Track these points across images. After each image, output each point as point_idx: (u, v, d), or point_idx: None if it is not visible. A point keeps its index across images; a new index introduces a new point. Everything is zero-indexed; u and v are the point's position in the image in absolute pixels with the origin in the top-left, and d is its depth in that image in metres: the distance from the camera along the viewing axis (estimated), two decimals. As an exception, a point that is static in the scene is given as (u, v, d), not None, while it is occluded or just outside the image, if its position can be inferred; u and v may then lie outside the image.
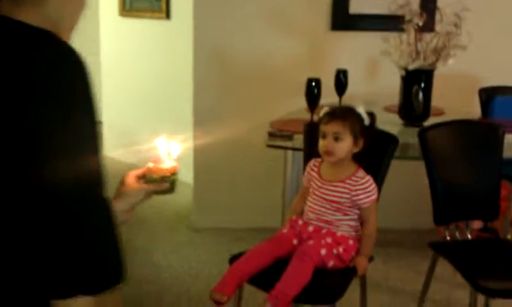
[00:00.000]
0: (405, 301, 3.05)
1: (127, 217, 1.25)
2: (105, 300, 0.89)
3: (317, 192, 2.06)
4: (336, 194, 2.02)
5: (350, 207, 2.03)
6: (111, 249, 0.90)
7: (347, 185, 2.01)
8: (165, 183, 1.31)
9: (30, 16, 0.94)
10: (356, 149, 2.03)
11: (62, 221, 0.84)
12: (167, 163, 1.32)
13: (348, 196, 2.01)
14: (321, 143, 2.03)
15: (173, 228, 3.89)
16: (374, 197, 2.03)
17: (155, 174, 1.30)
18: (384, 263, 3.46)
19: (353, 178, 2.02)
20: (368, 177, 2.04)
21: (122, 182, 1.29)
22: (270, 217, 3.00)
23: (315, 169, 2.11)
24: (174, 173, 1.32)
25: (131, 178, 1.30)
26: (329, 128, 2.00)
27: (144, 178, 1.31)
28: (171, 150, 1.34)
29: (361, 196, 2.01)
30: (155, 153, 1.32)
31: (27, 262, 0.86)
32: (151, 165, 1.32)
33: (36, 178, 0.84)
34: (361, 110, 2.04)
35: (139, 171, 1.31)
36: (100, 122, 0.94)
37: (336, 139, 1.99)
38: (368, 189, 2.02)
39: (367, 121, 2.03)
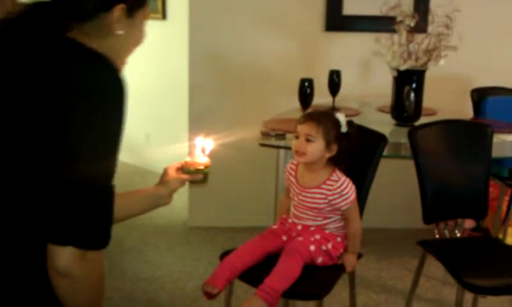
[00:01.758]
0: (396, 299, 3.08)
1: (168, 201, 1.52)
2: (90, 258, 1.11)
3: (296, 198, 2.07)
4: (314, 200, 2.02)
5: (330, 211, 2.03)
6: (104, 220, 1.13)
7: (323, 191, 2.00)
8: (199, 174, 1.54)
9: (96, 45, 1.17)
10: (328, 154, 2.01)
11: (72, 194, 1.08)
12: (201, 158, 1.55)
13: (326, 200, 2.00)
14: (293, 143, 2.03)
15: (168, 226, 3.92)
16: (351, 198, 2.01)
17: (191, 167, 1.54)
18: (377, 262, 3.50)
19: (328, 182, 2.00)
20: (343, 179, 2.01)
21: (165, 172, 1.54)
22: (264, 216, 3.04)
23: (293, 173, 2.10)
24: (207, 167, 1.56)
25: (172, 169, 1.54)
26: (302, 129, 2.00)
27: (182, 169, 1.54)
28: (205, 146, 1.57)
29: (338, 200, 1.99)
30: (192, 148, 1.57)
31: (37, 211, 1.11)
32: (188, 159, 1.55)
33: (62, 160, 1.08)
34: (340, 116, 2.03)
35: (178, 164, 1.56)
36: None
37: (308, 140, 1.98)
38: (345, 192, 1.99)
39: (343, 128, 2.01)
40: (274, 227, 2.12)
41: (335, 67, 3.22)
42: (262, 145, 2.47)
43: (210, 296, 1.89)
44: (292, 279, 1.89)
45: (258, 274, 1.93)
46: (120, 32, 1.21)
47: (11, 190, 1.14)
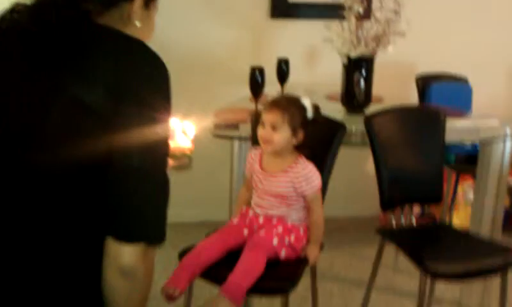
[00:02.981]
0: (350, 288, 3.07)
1: None
2: (147, 254, 1.04)
3: (260, 185, 2.01)
4: (279, 185, 1.97)
5: (295, 198, 1.99)
6: (163, 213, 1.07)
7: (288, 175, 1.97)
8: (185, 159, 1.48)
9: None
10: (295, 141, 1.97)
11: (134, 184, 1.03)
12: (183, 141, 1.47)
13: (291, 186, 1.96)
14: (259, 131, 1.98)
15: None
16: (316, 184, 1.99)
17: (176, 151, 1.46)
18: (329, 251, 3.47)
19: (294, 166, 1.98)
20: (309, 165, 1.99)
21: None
22: (217, 210, 2.94)
23: (257, 160, 2.05)
24: (191, 151, 1.49)
25: None
26: (268, 117, 1.95)
27: None
28: (186, 129, 1.49)
29: (303, 186, 1.96)
30: (171, 132, 1.46)
31: (95, 206, 1.04)
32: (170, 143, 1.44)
33: (118, 146, 1.02)
34: (306, 102, 1.99)
35: None
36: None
37: (274, 128, 1.94)
38: (310, 176, 1.97)
39: (310, 113, 1.98)
40: (234, 221, 2.03)
41: (282, 55, 3.16)
42: (217, 136, 2.38)
43: (171, 298, 1.78)
44: (257, 274, 1.82)
45: (220, 271, 1.84)
46: (138, 23, 1.19)
47: (65, 186, 1.05)
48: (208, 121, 2.59)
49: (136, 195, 1.03)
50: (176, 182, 3.38)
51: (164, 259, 1.98)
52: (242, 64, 2.91)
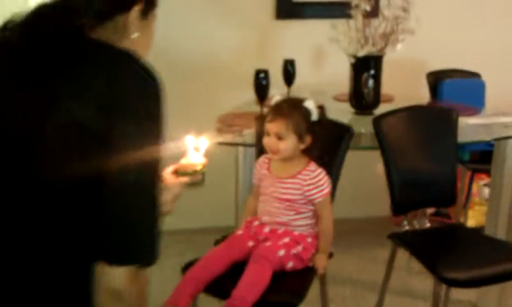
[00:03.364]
0: (363, 292, 2.99)
1: (172, 207, 1.40)
2: (137, 276, 1.02)
3: (267, 191, 1.96)
4: (288, 191, 1.92)
5: (303, 204, 1.93)
6: (154, 235, 1.05)
7: (298, 181, 1.92)
8: (198, 175, 1.46)
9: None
10: (302, 146, 1.93)
11: (123, 205, 1.01)
12: (196, 158, 1.47)
13: (300, 191, 1.91)
14: (265, 141, 1.94)
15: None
16: (326, 191, 1.94)
17: (188, 169, 1.46)
18: (340, 254, 3.40)
19: (304, 172, 1.93)
20: (319, 170, 1.95)
21: (162, 178, 1.40)
22: (223, 217, 2.88)
23: (265, 166, 2.00)
24: (204, 166, 1.48)
25: (168, 174, 1.44)
26: (272, 128, 1.91)
27: (177, 172, 1.45)
28: (199, 145, 1.49)
29: (313, 191, 1.91)
30: (185, 149, 1.47)
31: (85, 228, 1.03)
32: (183, 161, 1.47)
33: (110, 166, 0.99)
34: (310, 104, 1.93)
35: (171, 167, 1.45)
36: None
37: (279, 138, 1.90)
38: (320, 183, 1.92)
39: (315, 116, 1.93)
40: (239, 232, 1.97)
41: (288, 56, 3.09)
42: (221, 144, 2.31)
43: (173, 316, 1.73)
44: (262, 288, 1.76)
45: (224, 285, 1.78)
46: (136, 34, 1.17)
47: (55, 206, 1.04)
48: (211, 126, 2.54)
49: (127, 216, 1.02)
50: (184, 190, 3.31)
51: (172, 267, 1.93)
52: (247, 67, 2.85)
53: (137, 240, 1.03)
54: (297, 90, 3.09)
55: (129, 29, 1.15)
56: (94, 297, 1.02)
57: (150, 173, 1.05)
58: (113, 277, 1.00)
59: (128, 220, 1.02)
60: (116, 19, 1.13)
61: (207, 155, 1.54)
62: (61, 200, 1.03)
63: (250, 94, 2.77)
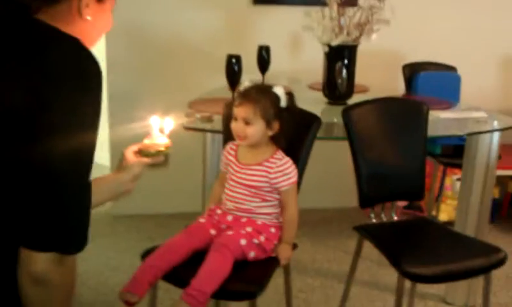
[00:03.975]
0: (332, 283, 2.99)
1: (131, 187, 1.42)
2: (62, 262, 1.02)
3: (234, 177, 1.93)
4: (253, 177, 1.89)
5: (269, 192, 1.90)
6: (80, 222, 1.05)
7: (264, 168, 1.89)
8: (160, 156, 1.45)
9: (64, 28, 1.10)
10: (270, 132, 1.90)
11: (50, 191, 1.00)
12: (160, 139, 1.46)
13: (266, 179, 1.89)
14: (232, 126, 1.91)
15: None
16: (293, 180, 1.91)
17: (151, 149, 1.44)
18: (311, 244, 3.39)
19: (271, 160, 1.90)
20: (287, 159, 1.92)
21: (123, 157, 1.44)
22: (191, 202, 2.84)
23: (232, 153, 1.97)
24: (167, 147, 1.47)
25: (130, 153, 1.44)
26: (239, 112, 1.88)
27: (140, 152, 1.44)
28: (164, 126, 1.47)
29: (279, 179, 1.89)
30: (149, 129, 1.46)
31: (9, 213, 1.02)
32: (146, 141, 1.46)
33: (38, 151, 0.98)
34: (279, 90, 1.90)
35: (135, 147, 1.46)
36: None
37: (246, 122, 1.87)
38: (287, 172, 1.90)
39: (283, 102, 1.90)
40: (202, 220, 1.93)
41: (263, 42, 3.05)
42: (188, 129, 2.27)
43: (129, 304, 1.69)
44: (222, 278, 1.72)
45: (183, 273, 1.75)
46: (89, 17, 1.16)
47: None
48: (182, 111, 2.49)
49: (52, 202, 1.01)
50: (153, 174, 3.27)
51: (140, 250, 1.89)
52: (221, 52, 2.80)
53: (60, 228, 1.02)
54: (271, 77, 3.05)
55: (82, 11, 1.14)
56: (18, 281, 1.03)
57: (79, 161, 1.03)
58: (35, 261, 1.00)
59: (53, 207, 1.00)
60: (69, 1, 1.12)
61: (173, 137, 1.52)
62: None
63: (223, 80, 2.72)
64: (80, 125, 1.03)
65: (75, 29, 1.13)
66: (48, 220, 1.01)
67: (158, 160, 1.46)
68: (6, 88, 1.00)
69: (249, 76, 2.85)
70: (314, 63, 2.95)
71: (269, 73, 3.05)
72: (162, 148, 1.46)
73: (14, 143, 1.00)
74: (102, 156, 3.75)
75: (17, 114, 0.98)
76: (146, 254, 1.82)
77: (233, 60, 2.55)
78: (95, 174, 1.32)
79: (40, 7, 1.09)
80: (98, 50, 3.56)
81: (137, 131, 1.59)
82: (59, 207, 1.01)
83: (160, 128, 1.48)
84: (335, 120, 2.49)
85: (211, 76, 3.08)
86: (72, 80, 1.02)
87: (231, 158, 1.97)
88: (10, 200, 1.01)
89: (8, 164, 1.00)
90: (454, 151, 3.28)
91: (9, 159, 1.00)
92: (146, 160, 1.44)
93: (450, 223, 3.10)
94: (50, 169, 0.99)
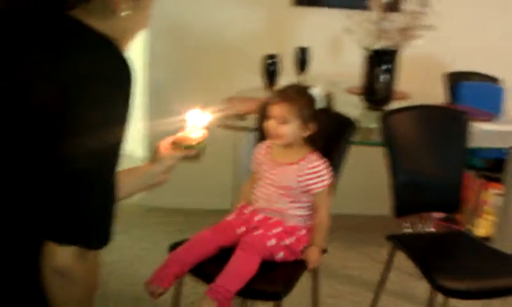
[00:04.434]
0: (361, 291, 2.94)
1: (164, 178, 1.42)
2: (86, 256, 1.03)
3: (265, 176, 1.90)
4: (287, 178, 1.87)
5: (301, 193, 1.87)
6: (104, 218, 1.05)
7: (296, 168, 1.87)
8: (192, 150, 1.44)
9: (99, 25, 1.08)
10: (305, 133, 1.87)
11: (74, 187, 1.00)
12: (195, 132, 1.45)
13: (299, 179, 1.86)
14: (267, 124, 1.88)
15: (123, 206, 3.67)
16: (326, 182, 1.88)
17: (183, 142, 1.44)
18: (342, 251, 3.35)
19: (305, 160, 1.88)
20: (321, 161, 1.89)
21: (157, 149, 1.44)
22: (223, 200, 2.84)
23: (265, 151, 1.95)
24: (199, 142, 1.46)
25: (164, 145, 1.44)
26: (275, 111, 1.86)
27: (174, 145, 1.44)
28: (200, 120, 1.47)
29: (312, 181, 1.86)
30: (185, 124, 1.46)
31: (35, 207, 1.02)
32: (181, 134, 1.45)
33: (64, 148, 0.99)
34: (316, 91, 1.87)
35: (169, 139, 1.45)
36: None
37: (281, 122, 1.85)
38: (320, 173, 1.87)
39: (320, 104, 1.87)
40: (229, 218, 1.92)
41: (302, 44, 3.02)
42: (221, 127, 2.26)
43: (154, 295, 1.69)
44: (247, 277, 1.70)
45: (210, 268, 1.74)
46: (125, 13, 1.13)
47: (6, 184, 1.05)
48: (218, 109, 2.48)
49: (77, 198, 1.01)
50: (187, 170, 3.28)
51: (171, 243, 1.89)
52: (260, 52, 2.79)
53: (83, 222, 1.02)
54: (310, 79, 3.03)
55: (118, 6, 1.12)
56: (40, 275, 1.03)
57: (107, 160, 1.03)
58: (57, 254, 1.00)
59: (77, 203, 1.01)
60: None
61: (208, 132, 1.52)
62: (11, 178, 1.03)
63: (260, 80, 2.72)
64: (108, 124, 1.02)
65: (110, 25, 1.13)
66: (71, 214, 1.01)
67: (191, 153, 1.45)
68: (35, 84, 1.00)
69: (287, 78, 2.84)
70: (353, 67, 2.91)
71: (307, 75, 3.02)
72: (196, 142, 1.46)
73: (41, 138, 1.00)
74: (137, 150, 3.79)
75: (45, 110, 0.98)
76: (174, 247, 1.82)
77: (270, 60, 2.54)
78: (132, 166, 1.34)
79: (76, 2, 1.09)
80: (142, 46, 3.64)
81: (175, 125, 1.59)
82: (83, 202, 1.02)
83: (196, 123, 1.48)
84: (373, 125, 2.44)
85: (248, 75, 3.07)
86: (101, 80, 1.02)
87: (262, 158, 1.95)
88: (36, 194, 1.02)
89: (34, 158, 1.01)
90: (494, 165, 3.18)
91: (35, 154, 1.01)
92: (179, 153, 1.44)
93: (487, 239, 3.01)
94: (75, 165, 1.00)
